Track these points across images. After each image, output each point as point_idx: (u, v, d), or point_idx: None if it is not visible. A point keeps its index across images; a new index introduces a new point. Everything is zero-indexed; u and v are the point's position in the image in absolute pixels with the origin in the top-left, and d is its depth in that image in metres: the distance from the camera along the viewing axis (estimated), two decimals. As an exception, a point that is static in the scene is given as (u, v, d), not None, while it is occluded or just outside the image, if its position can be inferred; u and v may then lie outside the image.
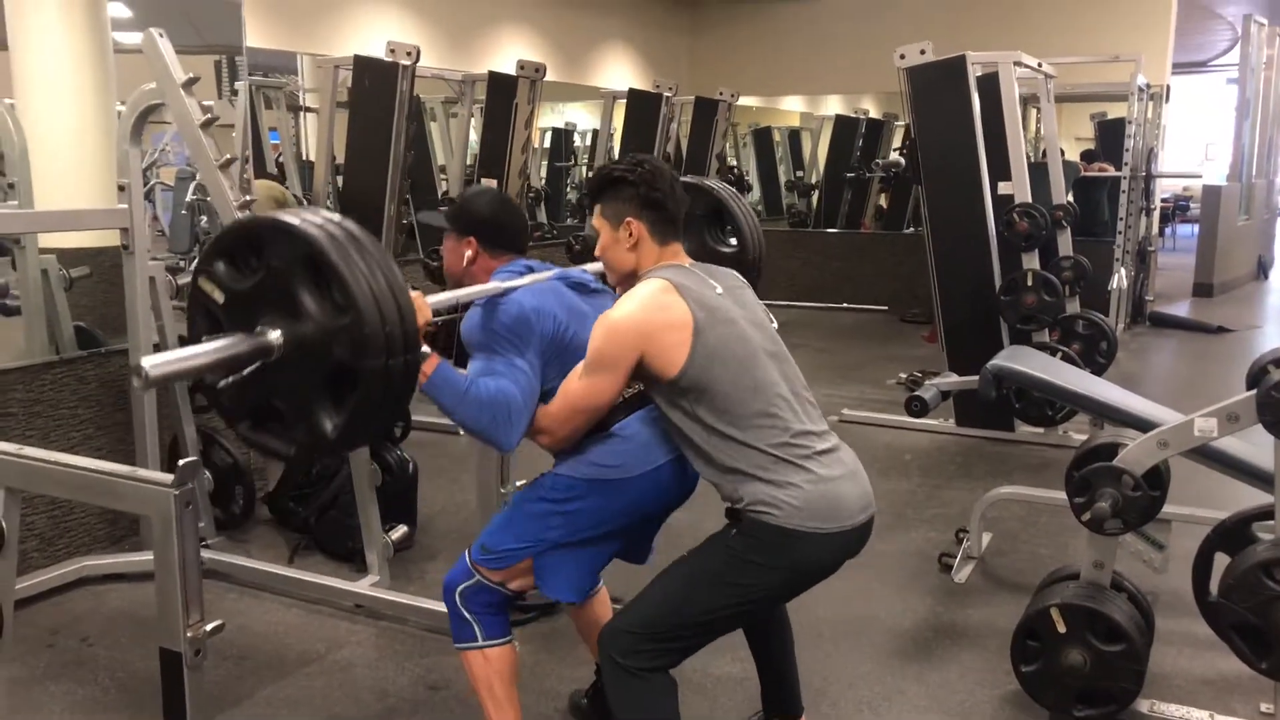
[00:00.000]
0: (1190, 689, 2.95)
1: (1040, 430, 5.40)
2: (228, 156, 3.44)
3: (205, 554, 3.79)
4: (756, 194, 11.67)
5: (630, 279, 2.24)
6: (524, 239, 2.50)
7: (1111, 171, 9.81)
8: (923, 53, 5.32)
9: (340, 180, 5.83)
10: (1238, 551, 2.66)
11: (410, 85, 5.40)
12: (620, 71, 10.19)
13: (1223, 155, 20.01)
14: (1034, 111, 9.48)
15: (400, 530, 3.73)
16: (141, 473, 2.26)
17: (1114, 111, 11.99)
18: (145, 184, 3.79)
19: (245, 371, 1.80)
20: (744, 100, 9.81)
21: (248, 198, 3.44)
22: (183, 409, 3.92)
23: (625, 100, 8.08)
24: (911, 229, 11.52)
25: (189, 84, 3.47)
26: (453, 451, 5.21)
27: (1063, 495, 4.05)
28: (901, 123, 11.92)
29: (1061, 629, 2.66)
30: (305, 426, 1.80)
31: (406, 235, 6.40)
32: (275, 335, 1.76)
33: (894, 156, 9.37)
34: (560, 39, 9.17)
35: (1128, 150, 7.92)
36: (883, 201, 11.82)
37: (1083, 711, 2.68)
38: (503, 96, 6.39)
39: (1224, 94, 20.19)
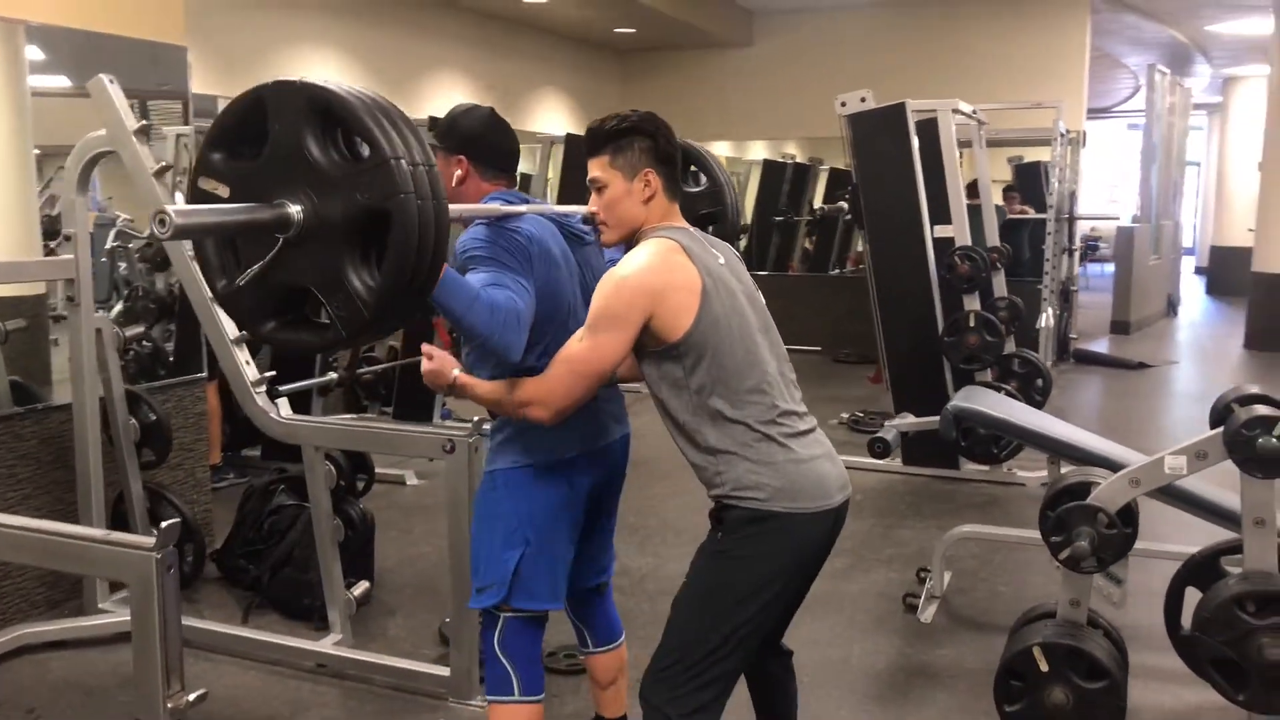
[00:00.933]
0: (1162, 722, 3.00)
1: (986, 468, 5.50)
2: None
3: (153, 616, 3.65)
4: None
5: (631, 236, 2.18)
6: (516, 161, 2.42)
7: (1031, 213, 10.15)
8: (863, 100, 5.44)
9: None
10: (1208, 586, 2.73)
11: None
12: (554, 117, 10.24)
13: (1127, 198, 20.90)
14: (962, 155, 9.75)
15: (362, 586, 3.63)
16: (117, 536, 2.16)
17: (1029, 155, 12.45)
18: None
19: (266, 259, 1.69)
20: (675, 145, 9.95)
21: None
22: (129, 464, 3.77)
23: (563, 145, 8.10)
24: (837, 270, 11.75)
25: (142, 132, 3.39)
26: (401, 503, 5.10)
27: (1024, 532, 4.15)
28: (826, 167, 12.21)
29: (1044, 668, 2.68)
30: (341, 297, 1.67)
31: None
32: (295, 209, 1.66)
33: (840, 203, 9.51)
34: (496, 84, 9.19)
35: (1051, 193, 8.18)
36: (808, 244, 12.03)
37: (1066, 750, 2.70)
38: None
39: (1125, 139, 21.09)
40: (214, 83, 6.08)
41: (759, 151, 13.54)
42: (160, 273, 4.66)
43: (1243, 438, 2.50)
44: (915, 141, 5.44)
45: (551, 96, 10.32)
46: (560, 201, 8.07)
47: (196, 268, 3.30)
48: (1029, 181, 12.07)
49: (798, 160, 12.12)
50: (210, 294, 1.89)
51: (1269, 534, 2.61)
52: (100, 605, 3.72)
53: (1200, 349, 10.90)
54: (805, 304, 10.46)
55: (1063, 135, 8.20)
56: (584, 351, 2.06)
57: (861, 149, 5.52)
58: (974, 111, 6.08)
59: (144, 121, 3.39)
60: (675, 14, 9.29)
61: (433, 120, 6.64)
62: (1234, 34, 12.03)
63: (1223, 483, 3.01)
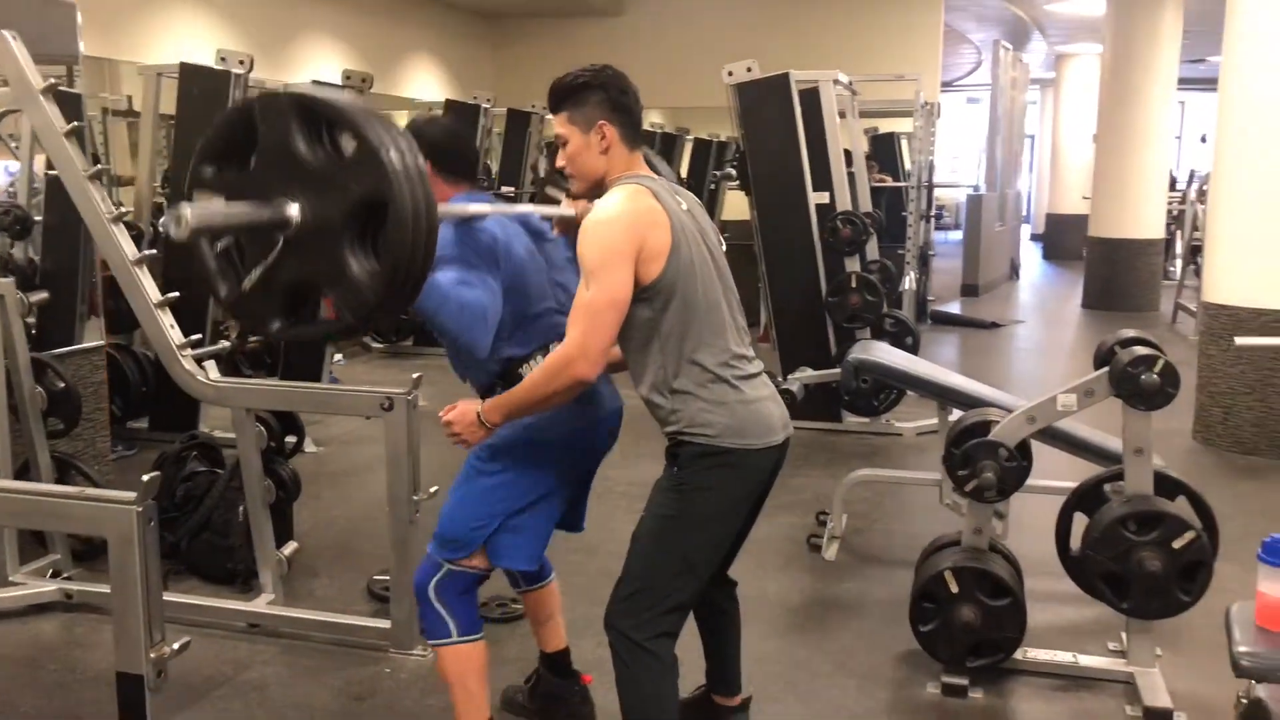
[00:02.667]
0: (1049, 637, 3.31)
1: (867, 420, 5.83)
2: (99, 166, 3.29)
3: (69, 586, 3.59)
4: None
5: (597, 187, 2.27)
6: (477, 166, 2.55)
7: (889, 181, 10.63)
8: (749, 70, 5.64)
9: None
10: (1093, 511, 3.05)
11: (244, 94, 5.24)
12: (427, 83, 10.14)
13: (967, 168, 21.94)
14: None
15: (291, 546, 3.65)
16: (92, 492, 2.19)
17: (883, 127, 12.99)
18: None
19: (268, 260, 1.75)
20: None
21: (123, 209, 3.30)
22: (35, 433, 3.68)
23: (442, 111, 8.06)
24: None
25: (49, 90, 3.29)
26: (310, 470, 5.08)
27: (917, 474, 4.46)
28: (690, 137, 12.47)
29: (954, 589, 2.95)
30: (344, 286, 1.73)
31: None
32: (293, 208, 1.72)
33: (729, 170, 9.74)
34: (367, 50, 9.05)
35: (912, 162, 8.60)
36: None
37: (974, 662, 2.99)
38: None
39: (965, 112, 22.12)
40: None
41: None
42: (20, 241, 4.49)
43: (1128, 375, 2.81)
44: (799, 111, 5.68)
45: (425, 62, 10.22)
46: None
47: (116, 232, 3.28)
48: (885, 151, 12.64)
49: (665, 130, 12.33)
50: (216, 300, 1.91)
51: (1146, 461, 2.94)
52: (11, 578, 3.63)
53: (1042, 309, 11.64)
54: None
55: (923, 107, 8.62)
56: (595, 294, 2.12)
57: (748, 118, 5.73)
58: (849, 83, 6.37)
59: (52, 80, 3.30)
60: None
61: (315, 83, 6.55)
62: (1069, 13, 12.79)
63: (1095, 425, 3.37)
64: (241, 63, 5.20)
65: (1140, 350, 2.86)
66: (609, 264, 2.11)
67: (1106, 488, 3.10)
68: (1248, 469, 5.29)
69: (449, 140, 2.48)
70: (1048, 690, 3.04)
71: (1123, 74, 10.58)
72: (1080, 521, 3.10)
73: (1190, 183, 12.20)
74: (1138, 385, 2.80)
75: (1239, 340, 3.29)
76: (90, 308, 4.54)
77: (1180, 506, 2.97)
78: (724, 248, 2.40)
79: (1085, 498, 3.12)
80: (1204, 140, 21.84)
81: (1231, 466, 5.32)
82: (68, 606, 3.54)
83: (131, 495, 2.09)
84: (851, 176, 6.79)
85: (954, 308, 10.86)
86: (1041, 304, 12.14)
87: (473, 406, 2.27)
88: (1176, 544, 2.83)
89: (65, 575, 3.71)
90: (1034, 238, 18.98)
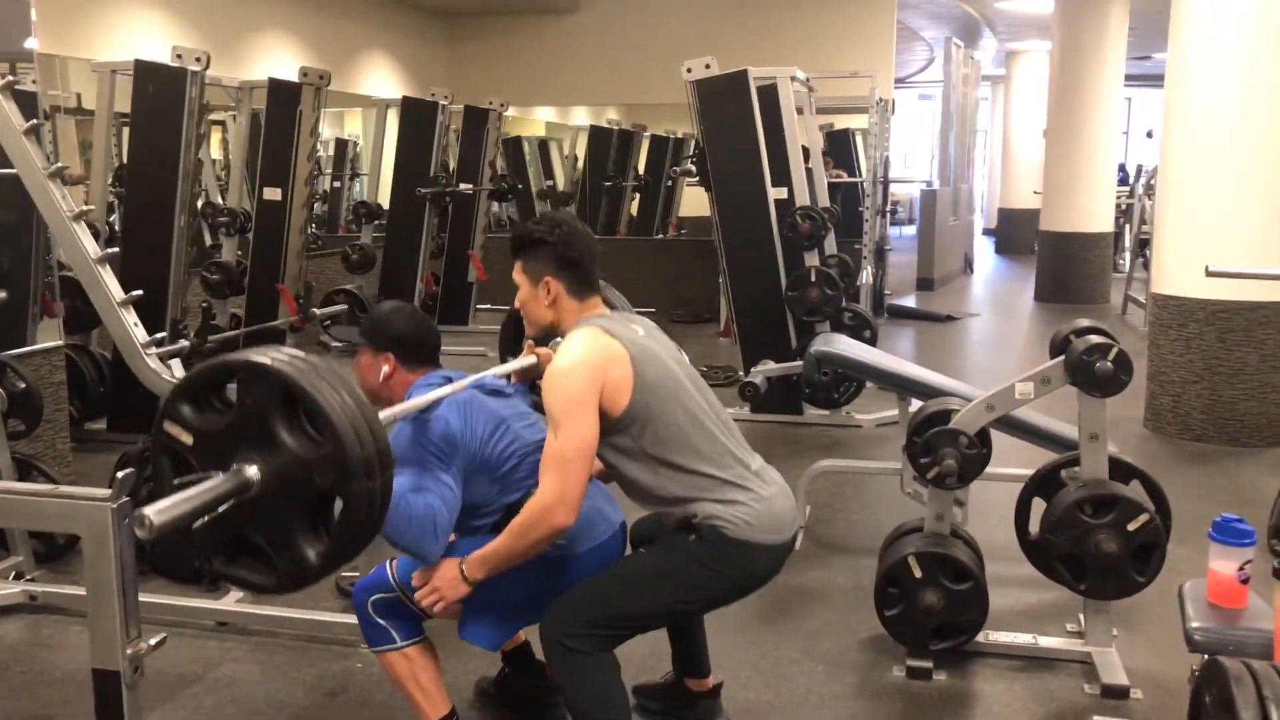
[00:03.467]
0: (1008, 619, 3.39)
1: (826, 413, 5.91)
2: (58, 165, 3.27)
3: (32, 588, 3.56)
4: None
5: (548, 333, 2.39)
6: (438, 352, 2.57)
7: (845, 177, 10.74)
8: (708, 66, 5.70)
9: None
10: (1050, 496, 3.13)
11: (200, 92, 5.21)
12: (382, 80, 10.09)
13: (919, 163, 22.21)
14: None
15: (259, 544, 3.64)
16: (66, 489, 2.19)
17: (838, 123, 13.12)
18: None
19: (220, 509, 1.75)
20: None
21: (86, 206, 3.28)
22: (-4, 436, 3.65)
23: (399, 109, 8.05)
24: (661, 235, 12.11)
25: (6, 88, 3.27)
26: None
27: (880, 463, 4.53)
28: (648, 134, 12.52)
29: (918, 574, 3.02)
30: (289, 557, 1.77)
31: (197, 248, 6.13)
32: (253, 471, 1.74)
33: (689, 166, 9.79)
34: (322, 47, 8.99)
35: (868, 158, 8.70)
36: (633, 210, 12.33)
37: (938, 645, 3.06)
38: (285, 104, 6.25)
39: (916, 108, 22.38)
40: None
41: (580, 117, 13.70)
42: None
43: (1084, 363, 2.89)
44: (757, 107, 5.75)
45: (379, 59, 10.17)
46: (399, 166, 8.04)
47: (78, 231, 3.26)
48: (840, 148, 12.75)
49: (622, 127, 12.36)
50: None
51: (1101, 447, 3.02)
52: (-33, 581, 3.60)
53: (996, 302, 11.83)
54: (640, 267, 10.71)
55: (878, 103, 8.73)
56: (564, 443, 2.18)
57: (707, 114, 5.78)
58: (807, 80, 6.44)
59: (10, 77, 3.27)
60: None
61: (273, 82, 6.51)
62: (1019, 10, 12.99)
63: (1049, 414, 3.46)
64: (198, 60, 5.16)
65: (1094, 339, 2.95)
66: (572, 411, 2.19)
67: (1063, 473, 3.18)
68: (1197, 455, 5.43)
69: (412, 331, 2.53)
70: (1009, 671, 3.12)
71: (1071, 71, 10.78)
72: (1039, 507, 3.18)
73: (1138, 177, 12.47)
74: (1093, 373, 2.88)
75: (1210, 268, 3.40)
76: (43, 308, 4.50)
77: (1134, 490, 3.06)
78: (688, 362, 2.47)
79: (1043, 483, 3.21)
80: (1150, 135, 22.30)
81: (1181, 453, 5.46)
82: (33, 608, 3.51)
83: (105, 492, 2.09)
84: (809, 172, 6.88)
85: (910, 301, 11.00)
86: (995, 297, 12.34)
87: (453, 564, 2.29)
88: (1131, 526, 2.91)
89: (29, 577, 3.68)
90: (986, 232, 19.25)
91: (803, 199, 5.94)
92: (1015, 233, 16.36)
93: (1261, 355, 5.40)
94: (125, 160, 5.84)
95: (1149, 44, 13.75)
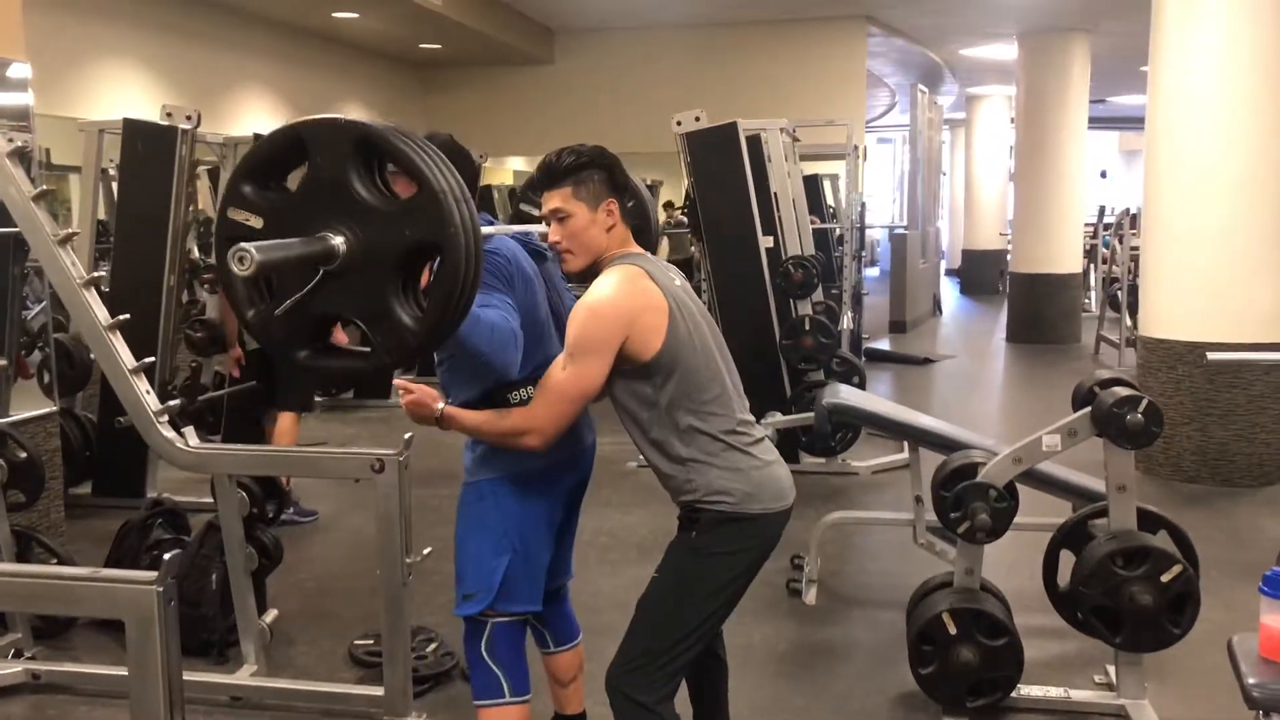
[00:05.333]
0: (1035, 672, 3.36)
1: (823, 460, 5.91)
2: (69, 231, 3.20)
3: (34, 666, 3.44)
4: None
5: (594, 264, 2.29)
6: (478, 183, 2.55)
7: (817, 223, 10.83)
8: (697, 119, 5.73)
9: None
10: (1079, 547, 3.13)
11: (190, 150, 5.15)
12: (356, 132, 10.08)
13: (881, 206, 22.50)
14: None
15: (272, 614, 3.55)
16: (107, 572, 2.10)
17: (807, 169, 13.26)
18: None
19: (304, 289, 1.71)
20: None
21: (98, 274, 3.21)
22: (-6, 508, 3.53)
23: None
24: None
25: (16, 153, 3.20)
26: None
27: (890, 514, 4.52)
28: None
29: (953, 631, 3.00)
30: (386, 326, 1.70)
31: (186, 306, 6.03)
32: (338, 240, 1.68)
33: (681, 217, 9.84)
34: (300, 101, 8.97)
35: (844, 204, 8.78)
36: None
37: (974, 702, 3.03)
38: (272, 160, 6.18)
39: (877, 152, 22.73)
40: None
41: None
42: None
43: (1114, 415, 2.90)
44: (746, 158, 5.78)
45: (356, 111, 10.15)
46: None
47: (89, 297, 3.19)
48: (809, 194, 12.88)
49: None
50: (242, 322, 1.87)
51: (1130, 498, 3.03)
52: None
53: (969, 343, 11.93)
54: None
55: (853, 150, 8.84)
56: (569, 379, 2.19)
57: (697, 165, 5.81)
58: (793, 130, 6.50)
59: (19, 142, 3.21)
60: (480, 29, 9.35)
61: (257, 137, 6.48)
62: (981, 56, 13.23)
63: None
64: (189, 118, 5.10)
65: (1123, 391, 2.96)
66: (590, 352, 2.17)
67: (1090, 525, 3.18)
68: (1190, 496, 5.48)
69: (451, 156, 2.44)
70: (1044, 726, 3.10)
71: (1036, 116, 10.99)
72: (1066, 559, 3.18)
73: (1100, 218, 12.71)
74: (1124, 424, 2.90)
75: (1211, 355, 3.47)
76: (17, 370, 4.37)
77: (1163, 540, 3.07)
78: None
79: (1071, 534, 3.20)
80: (1104, 176, 22.81)
81: (1177, 494, 5.51)
82: (35, 687, 3.38)
83: (151, 575, 2.02)
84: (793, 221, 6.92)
85: (884, 344, 11.07)
86: (967, 338, 12.45)
87: (432, 399, 2.25)
88: (1165, 578, 2.91)
89: (28, 655, 3.55)
90: (949, 273, 19.50)
91: (794, 248, 5.96)
92: (980, 274, 16.59)
93: (1250, 396, 5.48)
94: (108, 217, 5.76)
95: (1103, 88, 14.08)
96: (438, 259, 1.76)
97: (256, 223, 1.78)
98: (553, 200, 2.27)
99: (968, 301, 16.28)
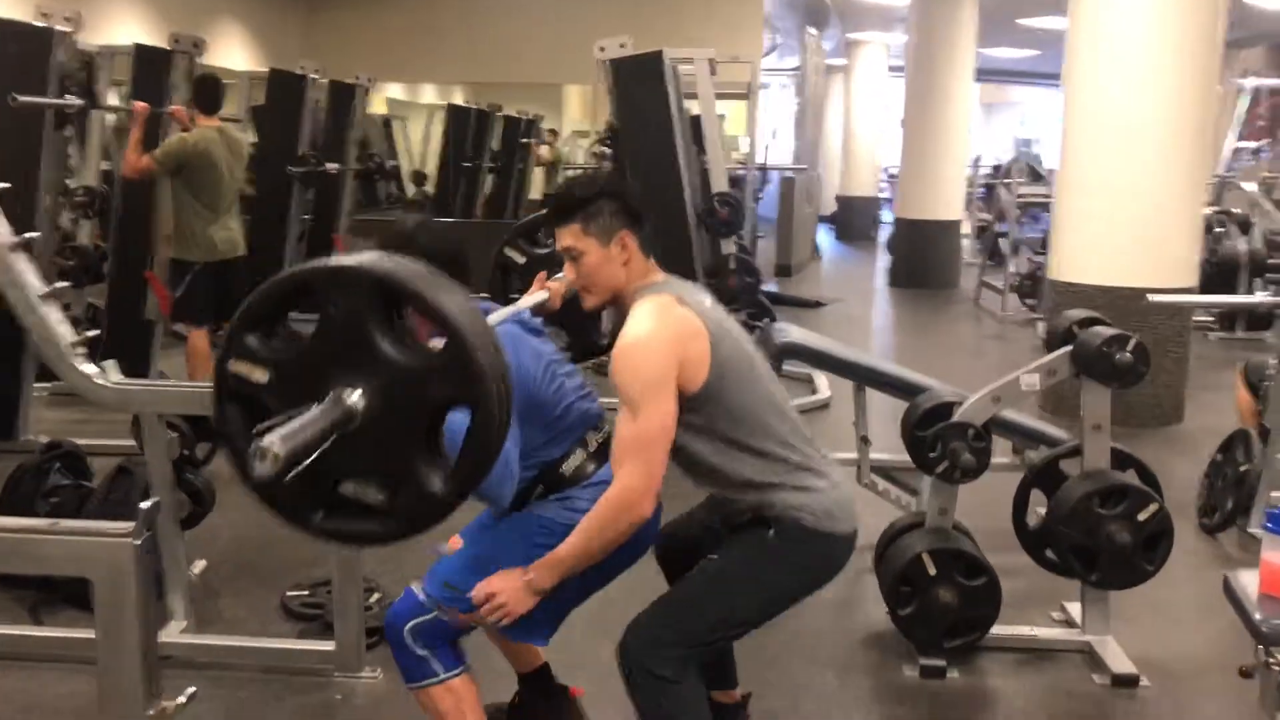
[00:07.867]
0: (993, 611, 3.38)
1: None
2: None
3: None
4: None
5: (615, 299, 2.18)
6: (470, 275, 2.26)
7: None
8: (622, 46, 5.51)
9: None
10: (1051, 488, 3.12)
11: (70, 56, 4.65)
12: (232, 51, 9.42)
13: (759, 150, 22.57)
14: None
15: (200, 564, 3.26)
16: (69, 524, 1.84)
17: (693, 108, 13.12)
18: None
19: (315, 454, 1.44)
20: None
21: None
22: None
23: (264, 83, 7.49)
24: (515, 217, 11.85)
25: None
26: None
27: (833, 455, 4.44)
28: (502, 114, 12.20)
29: (932, 571, 2.96)
30: (410, 490, 1.49)
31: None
32: (355, 397, 1.45)
33: (604, 148, 9.54)
34: (169, 13, 8.30)
35: (744, 146, 8.70)
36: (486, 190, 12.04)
37: (951, 643, 3.00)
38: (154, 73, 5.67)
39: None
40: None
41: (428, 95, 13.25)
42: None
43: (1102, 354, 2.88)
44: (671, 89, 5.60)
45: (230, 29, 9.50)
46: (262, 145, 7.48)
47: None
48: (696, 133, 12.79)
49: (478, 107, 12.00)
50: (246, 484, 1.54)
51: (1104, 437, 3.04)
52: None
53: (853, 287, 12.07)
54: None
55: (755, 89, 8.74)
56: (643, 425, 2.01)
57: (621, 94, 5.60)
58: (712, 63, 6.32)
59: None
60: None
61: (139, 49, 5.93)
62: (869, 0, 13.29)
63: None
64: (68, 19, 4.60)
65: (1108, 330, 2.94)
66: (653, 391, 2.02)
67: (1061, 465, 3.18)
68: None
69: (444, 249, 2.19)
70: (1014, 665, 3.10)
71: (926, 64, 11.09)
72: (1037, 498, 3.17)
73: (976, 167, 13.03)
74: (1112, 364, 2.88)
75: (1151, 298, 3.51)
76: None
77: (1133, 479, 3.09)
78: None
79: (1042, 475, 3.20)
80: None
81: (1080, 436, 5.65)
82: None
83: (127, 526, 1.77)
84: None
85: (771, 287, 11.09)
86: (850, 283, 12.61)
87: (515, 574, 2.06)
88: (1141, 516, 2.93)
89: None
90: (823, 219, 19.75)
91: (720, 184, 5.83)
92: (855, 220, 16.82)
93: (1155, 339, 5.63)
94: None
95: (989, 39, 14.33)
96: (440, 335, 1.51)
97: (261, 376, 1.50)
98: (564, 238, 2.16)
99: (843, 247, 16.50)
